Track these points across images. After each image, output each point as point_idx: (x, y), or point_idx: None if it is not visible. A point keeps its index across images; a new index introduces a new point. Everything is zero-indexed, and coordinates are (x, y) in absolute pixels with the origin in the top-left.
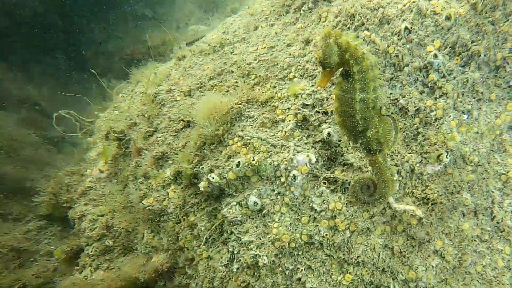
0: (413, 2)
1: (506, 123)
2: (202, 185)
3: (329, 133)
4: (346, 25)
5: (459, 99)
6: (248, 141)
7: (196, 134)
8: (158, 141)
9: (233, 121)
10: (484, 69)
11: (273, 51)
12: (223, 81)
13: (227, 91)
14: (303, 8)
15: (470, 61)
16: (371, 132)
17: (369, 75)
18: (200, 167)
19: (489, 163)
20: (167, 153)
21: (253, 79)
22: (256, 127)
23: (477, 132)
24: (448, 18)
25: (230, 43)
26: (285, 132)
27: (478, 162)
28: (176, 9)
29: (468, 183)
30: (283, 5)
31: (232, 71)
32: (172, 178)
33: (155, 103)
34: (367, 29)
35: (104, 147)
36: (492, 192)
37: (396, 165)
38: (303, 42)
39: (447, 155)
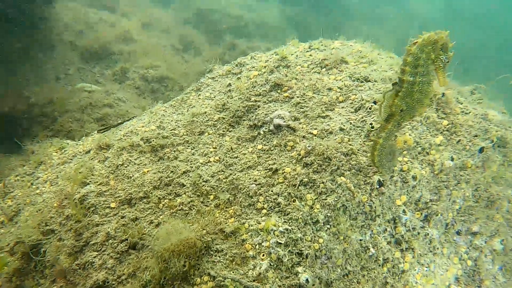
0: None
1: (453, 275)
2: None
3: (307, 279)
4: (321, 166)
5: (420, 253)
6: (222, 282)
7: (156, 267)
8: (93, 262)
9: (200, 255)
10: (439, 226)
11: (231, 170)
12: (173, 194)
13: (181, 209)
14: (263, 129)
15: (429, 218)
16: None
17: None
18: None
19: None
20: (108, 282)
21: (212, 200)
22: (226, 264)
23: (433, 284)
24: (414, 177)
25: (172, 145)
26: (259, 273)
27: None
28: (55, 56)
29: None
30: (233, 114)
31: (183, 184)
32: None
33: (82, 208)
34: (343, 175)
35: None
36: None
37: None
38: (268, 170)
39: None
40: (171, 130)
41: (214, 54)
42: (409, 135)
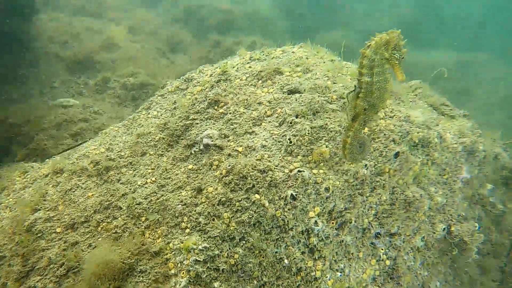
0: (298, 171)
1: (370, 276)
2: None
3: None
4: (238, 185)
5: (334, 259)
6: None
7: None
8: (35, 287)
9: (124, 277)
10: (354, 232)
11: (163, 191)
12: (111, 217)
13: (116, 232)
14: (194, 149)
15: (343, 226)
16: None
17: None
18: None
19: None
20: None
21: (144, 222)
22: (149, 284)
23: (348, 287)
24: (327, 189)
25: (116, 167)
26: None
27: None
28: (40, 71)
29: None
30: (172, 134)
31: (121, 207)
32: None
33: (30, 234)
34: (257, 192)
35: None
36: None
37: None
38: (194, 190)
39: None
40: (118, 152)
41: (200, 53)
42: (326, 146)
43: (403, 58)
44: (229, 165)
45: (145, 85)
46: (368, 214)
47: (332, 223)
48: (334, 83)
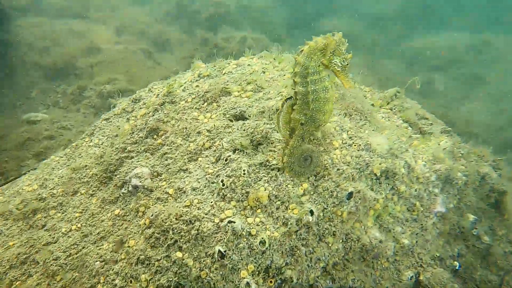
0: (229, 222)
1: None
2: None
3: None
4: (158, 239)
5: None
6: None
7: None
8: None
9: None
10: None
11: (85, 241)
12: (26, 274)
13: None
14: (123, 190)
15: (283, 285)
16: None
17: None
18: None
19: None
20: None
21: (59, 282)
22: None
23: None
24: (263, 242)
25: (45, 209)
26: None
27: None
28: (17, 80)
29: None
30: (106, 169)
31: (38, 262)
32: None
33: None
34: (180, 249)
35: None
36: None
37: None
38: (116, 242)
39: None
40: (51, 189)
41: (186, 52)
42: (265, 189)
43: (347, 64)
44: (152, 215)
45: (124, 91)
46: (315, 268)
47: (270, 282)
48: None
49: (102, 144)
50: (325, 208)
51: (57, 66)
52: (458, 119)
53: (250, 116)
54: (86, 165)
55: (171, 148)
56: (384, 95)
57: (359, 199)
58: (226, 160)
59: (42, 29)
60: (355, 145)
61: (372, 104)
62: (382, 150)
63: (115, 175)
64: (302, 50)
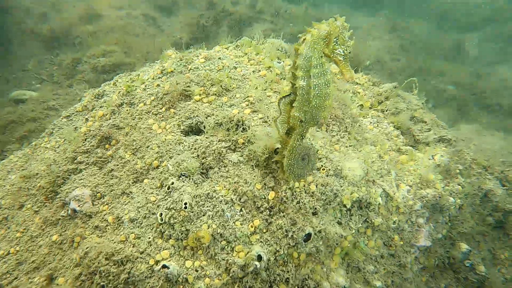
0: (163, 267)
1: None
2: None
3: None
4: (84, 282)
5: None
6: None
7: None
8: None
9: None
10: None
11: (19, 271)
12: None
13: None
14: (62, 213)
15: None
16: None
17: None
18: None
19: None
20: None
21: None
22: None
23: None
24: None
25: None
26: None
27: None
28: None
29: None
30: (54, 181)
31: None
32: None
33: None
34: None
35: None
36: None
37: None
38: (48, 277)
39: None
40: (0, 198)
41: (190, 18)
42: (209, 226)
43: (349, 53)
44: (82, 251)
45: (119, 65)
46: None
47: None
48: (254, 111)
49: (58, 147)
50: (277, 251)
51: (55, 35)
52: (488, 89)
53: (206, 128)
54: (37, 173)
55: (118, 165)
56: (378, 91)
57: (321, 238)
58: (168, 189)
59: None
60: (323, 170)
61: (361, 105)
62: (354, 176)
63: (60, 191)
64: (304, 39)
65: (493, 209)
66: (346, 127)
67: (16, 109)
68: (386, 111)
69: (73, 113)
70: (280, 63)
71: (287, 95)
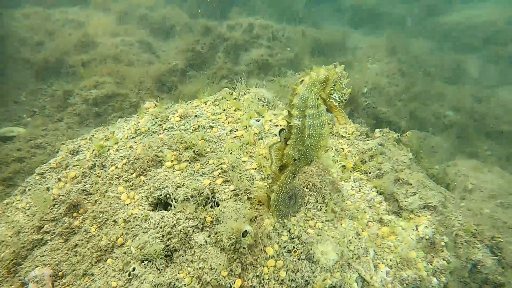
0: None
1: None
2: None
3: None
4: None
5: None
6: None
7: None
8: None
9: None
10: None
11: None
12: None
13: None
14: None
15: None
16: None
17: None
18: None
19: None
20: None
21: None
22: None
23: None
24: None
25: None
26: None
27: None
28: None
29: None
30: (18, 254)
31: None
32: None
33: None
34: None
35: None
36: None
37: None
38: None
39: None
40: None
41: (186, 44)
42: None
43: (345, 100)
44: None
45: (112, 97)
46: None
47: None
48: (226, 181)
49: (28, 209)
50: None
51: (49, 64)
52: (488, 114)
53: (174, 202)
54: (3, 241)
55: (82, 240)
56: (363, 149)
57: None
58: (129, 275)
59: (37, 21)
60: (295, 253)
61: (344, 166)
62: (327, 261)
63: (23, 264)
64: (303, 80)
65: (483, 281)
66: (323, 197)
67: (2, 148)
68: (369, 173)
69: (47, 170)
70: (259, 121)
71: (281, 131)
